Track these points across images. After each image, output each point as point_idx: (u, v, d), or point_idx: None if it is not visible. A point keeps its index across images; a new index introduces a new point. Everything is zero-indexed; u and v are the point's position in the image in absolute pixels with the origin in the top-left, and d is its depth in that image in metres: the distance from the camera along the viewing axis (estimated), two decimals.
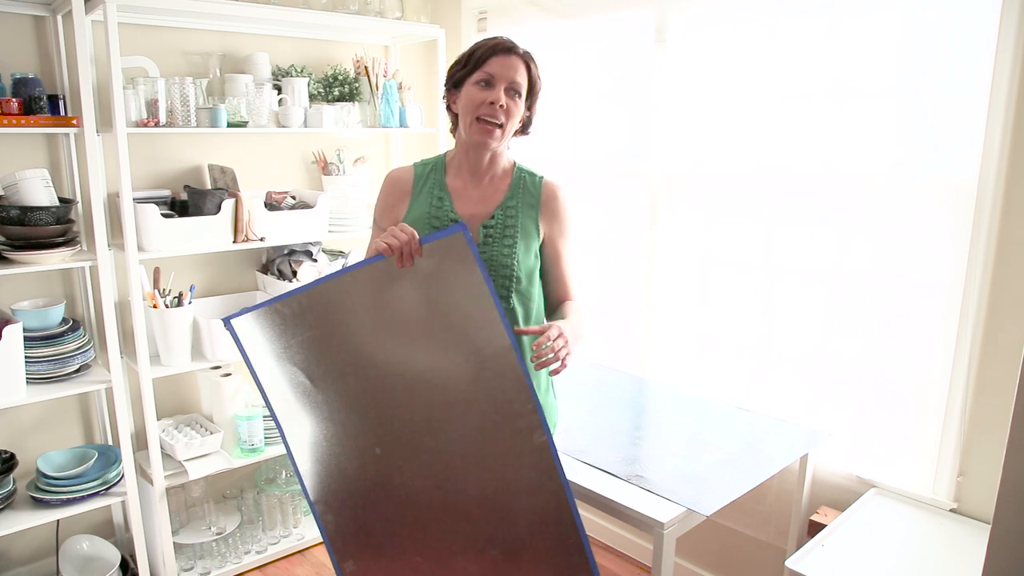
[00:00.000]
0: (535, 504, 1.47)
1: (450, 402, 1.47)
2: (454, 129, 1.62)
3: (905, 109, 1.88)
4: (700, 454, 1.89)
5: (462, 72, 1.54)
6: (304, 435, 1.62)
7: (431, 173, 1.62)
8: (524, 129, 1.63)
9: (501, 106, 1.50)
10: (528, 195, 1.61)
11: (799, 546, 1.90)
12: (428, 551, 1.59)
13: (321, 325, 1.51)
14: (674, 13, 2.35)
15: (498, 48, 1.51)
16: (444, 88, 1.61)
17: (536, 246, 1.61)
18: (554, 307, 1.69)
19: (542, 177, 1.64)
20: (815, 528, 1.90)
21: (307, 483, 1.65)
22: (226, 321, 1.58)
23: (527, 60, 1.54)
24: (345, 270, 1.48)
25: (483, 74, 1.50)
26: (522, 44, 1.56)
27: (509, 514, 1.50)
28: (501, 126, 1.52)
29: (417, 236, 1.40)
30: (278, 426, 1.62)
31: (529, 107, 1.59)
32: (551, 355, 1.37)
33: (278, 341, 1.55)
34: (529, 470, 1.45)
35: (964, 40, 1.76)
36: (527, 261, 1.59)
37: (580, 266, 1.70)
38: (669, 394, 2.34)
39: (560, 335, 1.40)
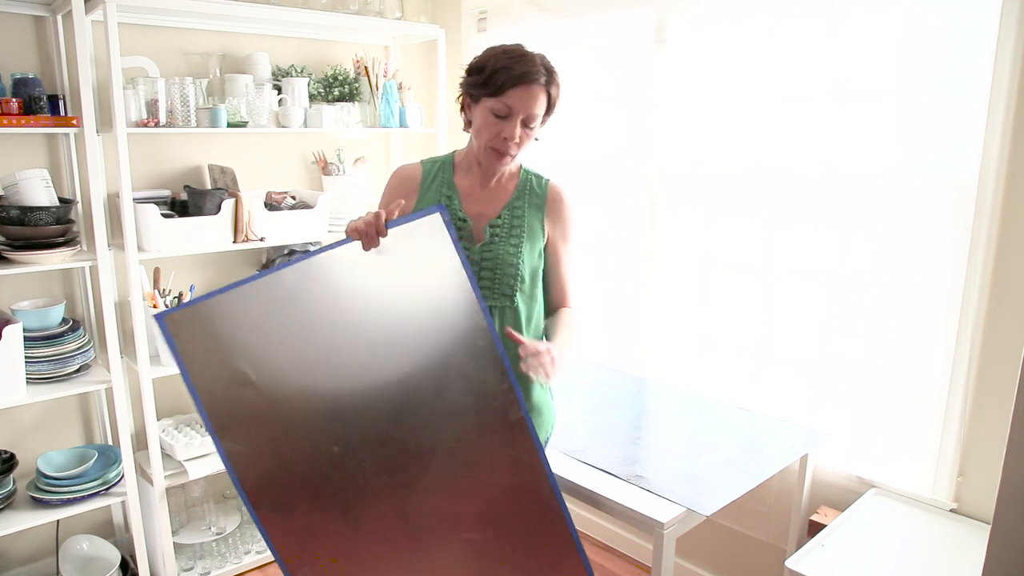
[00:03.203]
0: (514, 481, 1.45)
1: (421, 387, 1.42)
2: (467, 127, 1.61)
3: (905, 109, 1.88)
4: (700, 454, 1.89)
5: (480, 90, 1.49)
6: (247, 443, 1.44)
7: (439, 171, 1.63)
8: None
9: (516, 142, 1.50)
10: (534, 196, 1.62)
11: (799, 546, 1.90)
12: (400, 543, 1.50)
13: (280, 316, 1.40)
14: (674, 13, 2.35)
15: (521, 80, 1.45)
16: (461, 86, 1.57)
17: (541, 246, 1.63)
18: (551, 311, 1.69)
19: (548, 180, 1.65)
20: (815, 528, 1.90)
21: (251, 497, 1.45)
22: (158, 318, 1.40)
23: (549, 87, 1.50)
24: (309, 254, 1.40)
25: (501, 105, 1.47)
26: (548, 60, 1.50)
27: (488, 491, 1.47)
28: (512, 155, 1.53)
29: (383, 216, 1.35)
30: (213, 437, 1.43)
31: (543, 122, 1.56)
32: (534, 363, 1.39)
33: (226, 338, 1.40)
34: (506, 447, 1.43)
35: (964, 40, 1.76)
36: (532, 261, 1.60)
37: (579, 270, 1.71)
38: (669, 394, 2.34)
39: (547, 352, 1.41)
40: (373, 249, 1.37)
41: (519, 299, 1.58)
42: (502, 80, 1.45)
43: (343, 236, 1.41)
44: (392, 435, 1.44)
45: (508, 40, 1.55)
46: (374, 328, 1.41)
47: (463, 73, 1.56)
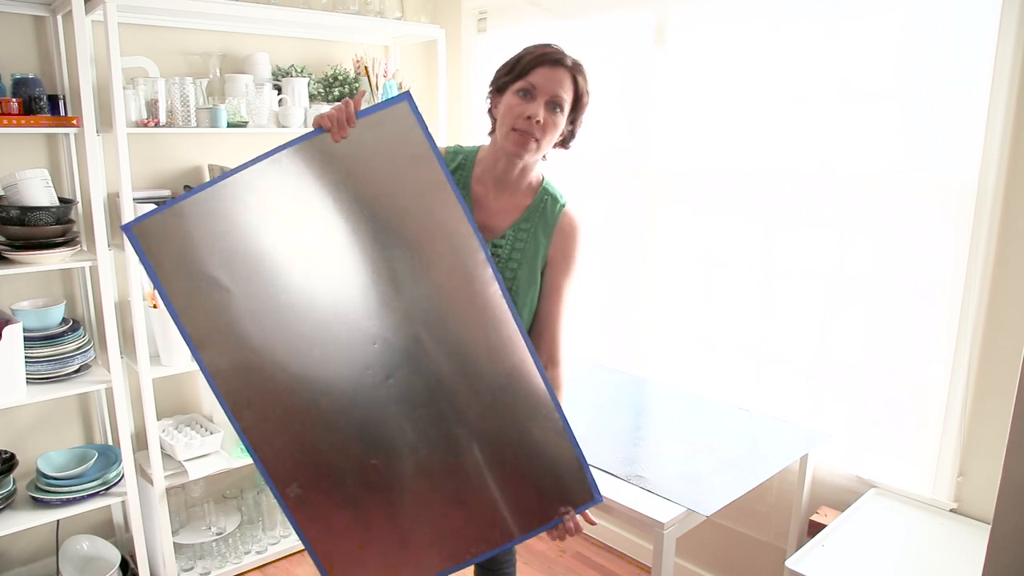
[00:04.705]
0: (503, 359, 1.39)
1: (402, 276, 1.37)
2: (492, 132, 1.55)
3: (905, 109, 1.89)
4: (700, 454, 1.89)
5: (506, 78, 1.47)
6: (226, 355, 1.38)
7: (459, 168, 1.56)
8: (564, 143, 1.56)
9: (538, 121, 1.43)
10: (544, 222, 1.53)
11: (799, 546, 1.90)
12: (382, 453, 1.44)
13: (252, 216, 1.36)
14: (674, 13, 2.35)
15: (545, 58, 1.43)
16: (488, 91, 1.54)
17: (539, 275, 1.55)
18: (536, 347, 1.55)
19: (563, 204, 1.55)
20: (815, 528, 1.90)
21: (233, 411, 1.39)
22: (125, 228, 1.34)
23: (575, 73, 1.47)
24: (278, 149, 1.35)
25: (526, 83, 1.43)
26: (573, 54, 1.48)
27: (480, 380, 1.41)
28: (537, 139, 1.45)
29: (351, 104, 1.32)
30: (193, 352, 1.36)
31: (572, 120, 1.51)
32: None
33: (198, 244, 1.34)
34: (491, 322, 1.37)
35: (964, 40, 1.76)
36: (527, 288, 1.53)
37: (574, 311, 1.61)
38: (669, 394, 2.34)
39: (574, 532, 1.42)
40: (343, 140, 1.33)
41: None
42: (527, 61, 1.44)
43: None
44: (375, 331, 1.38)
45: (508, 40, 1.54)
46: (349, 220, 1.37)
47: (492, 77, 1.53)
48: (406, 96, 1.32)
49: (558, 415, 1.40)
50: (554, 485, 1.42)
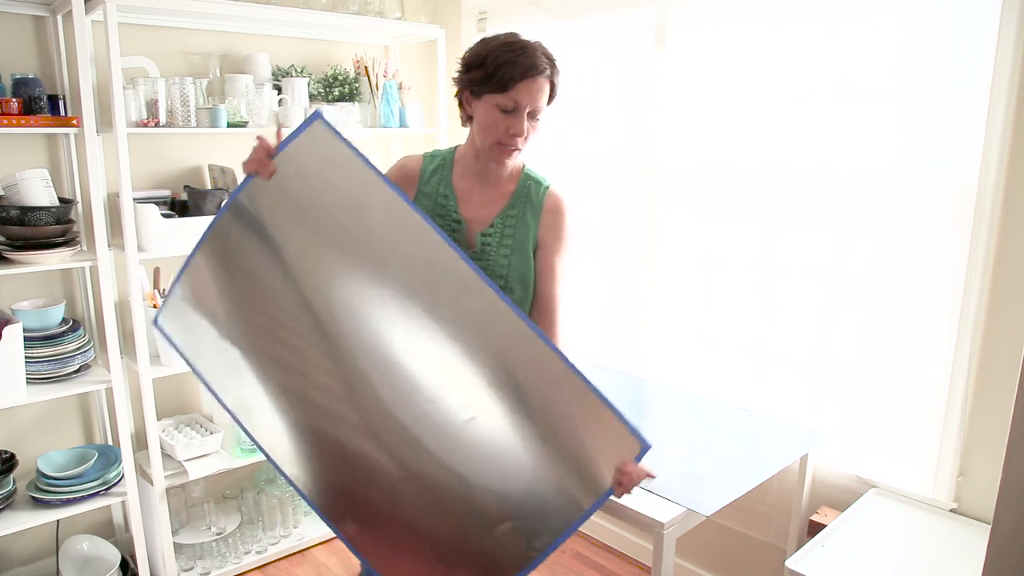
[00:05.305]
0: (494, 329, 1.35)
1: (368, 287, 1.38)
2: (466, 123, 1.56)
3: (905, 109, 1.88)
4: (700, 454, 1.89)
5: (483, 86, 1.45)
6: (260, 411, 1.49)
7: (439, 168, 1.58)
8: None
9: (523, 137, 1.46)
10: (531, 205, 1.56)
11: (799, 546, 1.90)
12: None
13: (232, 272, 1.41)
14: (674, 13, 2.35)
15: (527, 73, 1.42)
16: (457, 85, 1.53)
17: (532, 257, 1.57)
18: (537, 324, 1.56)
19: (548, 187, 1.58)
20: (815, 528, 1.90)
21: (276, 459, 1.51)
22: (157, 324, 1.47)
23: (552, 76, 1.47)
24: (224, 207, 1.39)
25: (508, 100, 1.43)
26: (546, 49, 1.47)
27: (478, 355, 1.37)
28: (519, 149, 1.49)
29: (266, 139, 1.36)
30: (236, 420, 1.51)
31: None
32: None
33: (203, 319, 1.43)
34: (469, 297, 1.34)
35: (964, 40, 1.76)
36: (523, 272, 1.55)
37: (571, 287, 1.60)
38: (669, 394, 2.33)
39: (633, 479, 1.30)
40: (277, 176, 1.36)
41: None
42: (508, 75, 1.42)
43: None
44: (346, 351, 1.39)
45: None
46: (311, 248, 1.40)
47: (459, 68, 1.52)
48: (316, 115, 1.34)
49: (574, 374, 1.28)
50: (599, 448, 1.32)
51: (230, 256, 1.42)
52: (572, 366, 1.29)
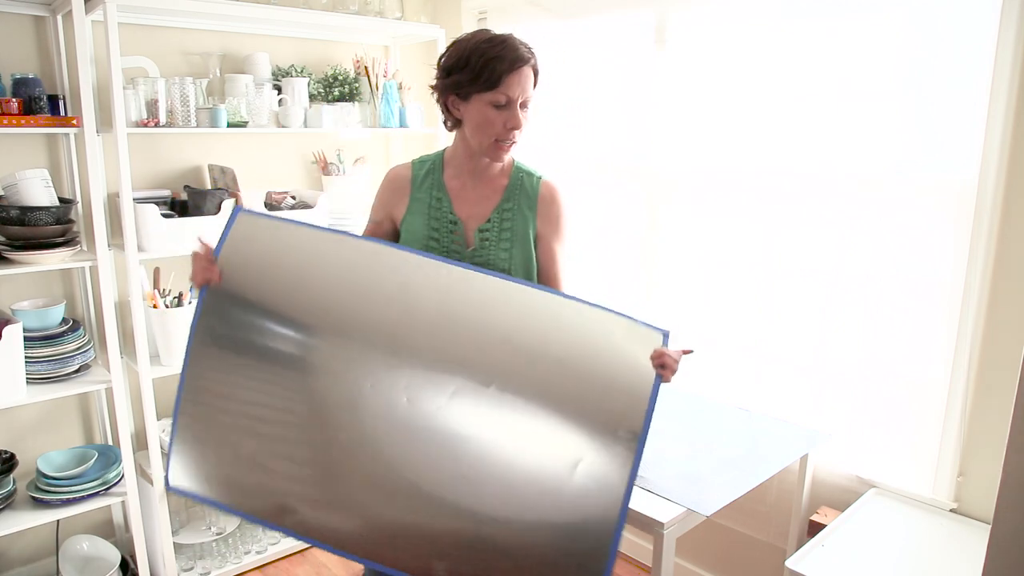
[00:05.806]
0: (500, 310, 1.42)
1: (357, 339, 1.42)
2: (453, 128, 1.57)
3: (906, 109, 1.88)
4: (700, 454, 1.89)
5: (471, 87, 1.45)
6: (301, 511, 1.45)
7: (429, 172, 1.60)
8: None
9: (520, 129, 1.49)
10: (525, 196, 1.58)
11: (799, 546, 1.90)
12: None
13: (229, 380, 1.46)
14: (674, 13, 2.35)
15: (515, 65, 1.43)
16: (440, 91, 1.52)
17: (533, 247, 1.60)
18: None
19: (540, 177, 1.60)
20: (815, 528, 1.90)
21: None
22: (169, 488, 1.46)
23: (535, 66, 1.49)
24: (193, 321, 1.44)
25: (500, 96, 1.43)
26: (522, 37, 1.49)
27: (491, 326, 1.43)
28: (516, 141, 1.51)
29: (202, 248, 1.42)
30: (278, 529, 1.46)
31: None
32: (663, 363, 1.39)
33: (208, 450, 1.45)
34: (471, 288, 1.42)
35: (964, 40, 1.76)
36: (525, 263, 1.58)
37: (573, 269, 1.65)
38: (669, 394, 2.33)
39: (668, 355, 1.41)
40: (225, 280, 1.42)
41: None
42: (497, 70, 1.42)
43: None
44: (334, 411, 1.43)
45: None
46: (302, 327, 1.43)
47: (438, 73, 1.51)
48: (237, 210, 1.40)
49: (579, 300, 1.42)
50: (626, 350, 1.44)
51: (221, 380, 1.45)
52: (579, 298, 1.42)
